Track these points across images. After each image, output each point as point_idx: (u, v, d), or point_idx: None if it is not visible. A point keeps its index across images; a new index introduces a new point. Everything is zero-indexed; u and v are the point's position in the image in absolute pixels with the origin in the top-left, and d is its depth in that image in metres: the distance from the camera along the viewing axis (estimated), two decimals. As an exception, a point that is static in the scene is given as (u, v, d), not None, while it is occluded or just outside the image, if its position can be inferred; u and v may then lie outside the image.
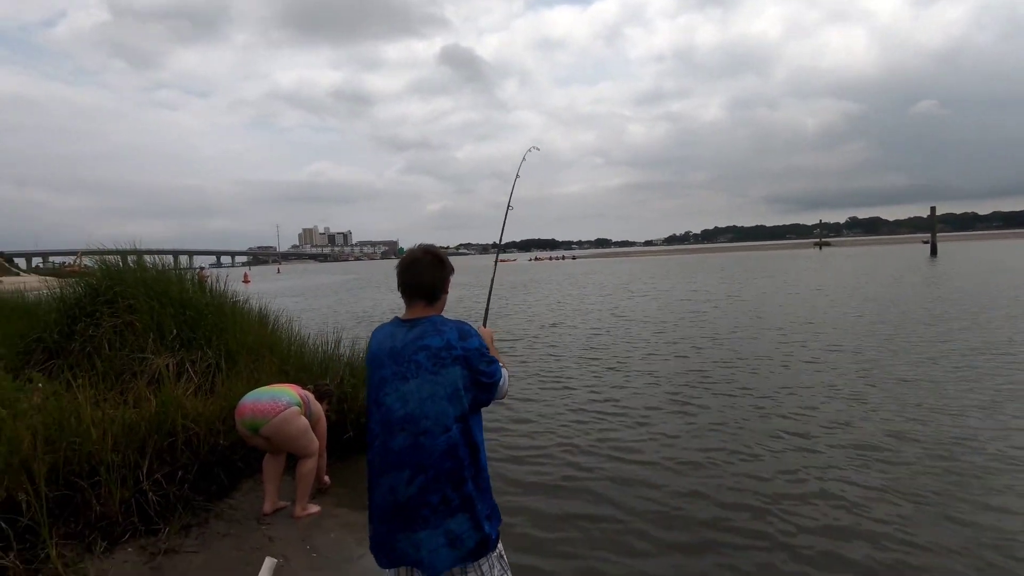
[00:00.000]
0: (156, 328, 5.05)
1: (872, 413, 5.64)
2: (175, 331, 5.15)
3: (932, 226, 46.63)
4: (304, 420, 3.55)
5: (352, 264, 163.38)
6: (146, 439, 3.63)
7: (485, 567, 1.97)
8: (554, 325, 13.18)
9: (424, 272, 2.01)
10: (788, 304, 15.30)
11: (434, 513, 1.86)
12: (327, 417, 3.98)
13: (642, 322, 13.04)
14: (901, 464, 4.37)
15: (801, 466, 4.40)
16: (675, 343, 10.11)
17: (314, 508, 3.69)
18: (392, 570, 2.08)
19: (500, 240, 3.29)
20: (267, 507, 3.63)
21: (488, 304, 2.68)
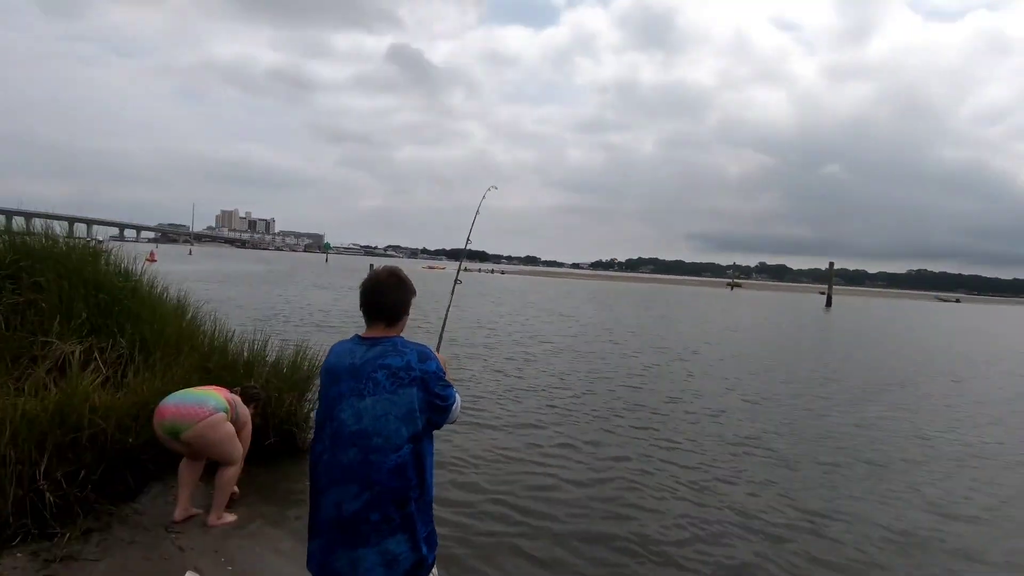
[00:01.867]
0: (64, 310, 4.66)
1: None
2: (85, 315, 4.76)
3: (829, 280, 51.14)
4: (230, 426, 3.40)
5: (271, 254, 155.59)
6: (47, 433, 3.34)
7: None
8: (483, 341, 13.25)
9: (387, 294, 2.04)
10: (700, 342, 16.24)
11: (374, 531, 1.88)
12: (253, 422, 3.83)
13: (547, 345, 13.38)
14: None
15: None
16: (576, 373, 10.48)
17: (230, 517, 3.53)
18: None
19: (459, 270, 3.35)
20: (178, 514, 3.42)
21: (443, 330, 2.73)
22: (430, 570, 2.04)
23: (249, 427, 3.70)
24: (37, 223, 5.58)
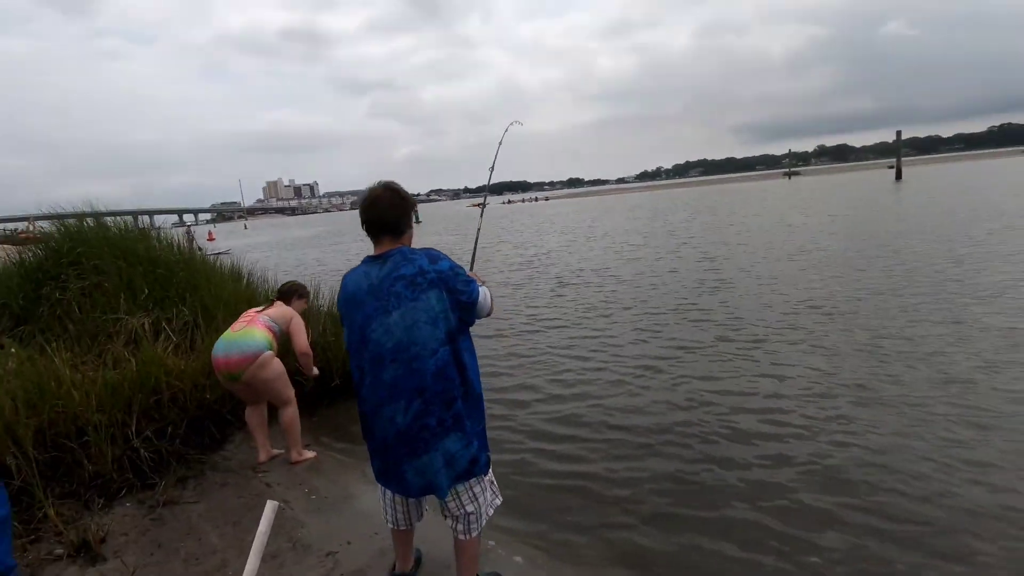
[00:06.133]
0: (127, 288, 4.92)
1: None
2: (147, 290, 5.02)
3: (897, 152, 47.27)
4: (279, 363, 3.47)
5: (319, 217, 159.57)
6: (131, 398, 3.59)
7: (477, 489, 2.07)
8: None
9: (387, 208, 2.01)
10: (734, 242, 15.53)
11: (433, 436, 1.93)
12: (302, 314, 3.74)
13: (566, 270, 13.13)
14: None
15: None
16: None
17: (310, 453, 3.74)
18: (398, 496, 2.15)
19: (484, 201, 3.22)
20: (262, 456, 3.66)
21: (475, 251, 2.72)
22: (485, 470, 2.08)
23: (299, 322, 3.59)
24: (107, 222, 5.80)
